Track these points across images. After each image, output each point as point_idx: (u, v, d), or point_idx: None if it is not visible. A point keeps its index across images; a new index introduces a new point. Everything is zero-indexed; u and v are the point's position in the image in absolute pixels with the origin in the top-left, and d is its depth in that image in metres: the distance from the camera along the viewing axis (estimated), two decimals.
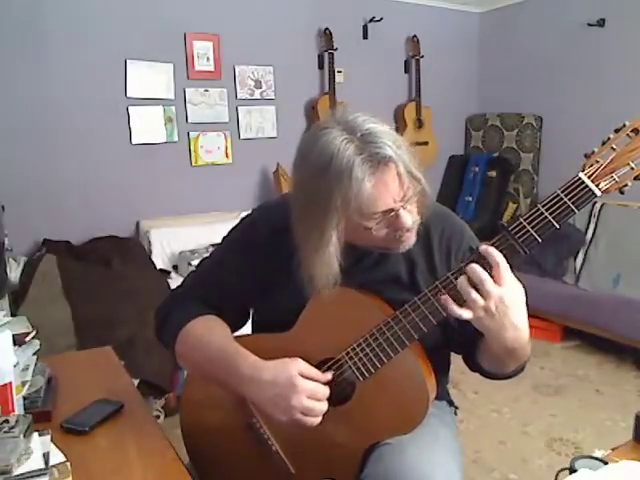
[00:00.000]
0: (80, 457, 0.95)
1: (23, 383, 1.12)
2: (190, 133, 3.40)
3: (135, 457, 0.98)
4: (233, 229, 1.16)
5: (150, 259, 3.04)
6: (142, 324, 2.34)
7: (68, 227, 3.01)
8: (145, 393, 2.32)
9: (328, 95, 3.73)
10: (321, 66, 3.82)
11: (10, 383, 1.00)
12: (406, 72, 4.25)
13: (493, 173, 4.31)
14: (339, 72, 3.80)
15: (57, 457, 0.93)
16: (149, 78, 3.21)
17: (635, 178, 0.85)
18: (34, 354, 1.23)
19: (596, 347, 3.27)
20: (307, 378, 0.95)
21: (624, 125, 0.86)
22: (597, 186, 0.84)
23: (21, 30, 2.85)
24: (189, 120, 3.39)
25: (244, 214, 1.20)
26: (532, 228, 0.87)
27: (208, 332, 1.06)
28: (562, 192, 0.85)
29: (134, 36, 3.14)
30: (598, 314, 3.15)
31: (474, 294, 0.85)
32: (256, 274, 1.09)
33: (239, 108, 3.56)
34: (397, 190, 0.90)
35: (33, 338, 1.26)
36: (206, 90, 3.42)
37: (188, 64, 3.34)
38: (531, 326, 0.90)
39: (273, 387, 0.94)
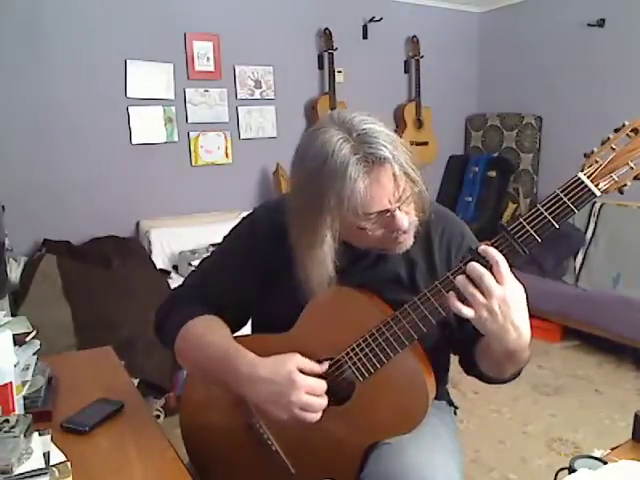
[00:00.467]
0: (80, 457, 0.95)
1: (23, 383, 1.12)
2: (190, 133, 3.40)
3: (135, 457, 0.98)
4: (234, 229, 1.17)
5: (150, 259, 3.04)
6: (142, 324, 2.34)
7: (68, 227, 3.01)
8: (145, 393, 2.32)
9: (328, 95, 3.73)
10: (321, 66, 3.82)
11: (10, 383, 1.01)
12: (406, 72, 4.26)
13: (493, 173, 4.31)
14: (339, 72, 3.80)
15: (57, 457, 0.93)
16: (149, 78, 3.21)
17: (634, 178, 0.85)
18: (34, 354, 1.23)
19: (596, 347, 3.27)
20: (305, 372, 0.95)
21: (624, 125, 0.86)
22: (596, 186, 0.84)
23: (21, 30, 2.85)
24: (189, 120, 3.39)
25: (244, 214, 1.20)
26: (532, 228, 0.87)
27: (208, 332, 1.06)
28: (562, 192, 0.85)
29: (134, 36, 3.14)
30: (598, 314, 3.15)
31: (472, 289, 0.86)
32: (256, 274, 1.09)
33: (239, 108, 3.56)
34: (392, 191, 0.90)
35: (33, 338, 1.27)
36: (206, 90, 3.43)
37: (188, 64, 3.34)
38: (531, 326, 0.90)
39: (271, 384, 0.94)
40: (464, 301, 0.87)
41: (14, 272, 2.63)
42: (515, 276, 0.87)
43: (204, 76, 3.41)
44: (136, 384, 2.17)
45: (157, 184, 3.32)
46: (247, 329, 1.20)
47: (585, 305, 3.24)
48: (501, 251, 0.87)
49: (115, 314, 2.46)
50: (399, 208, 0.92)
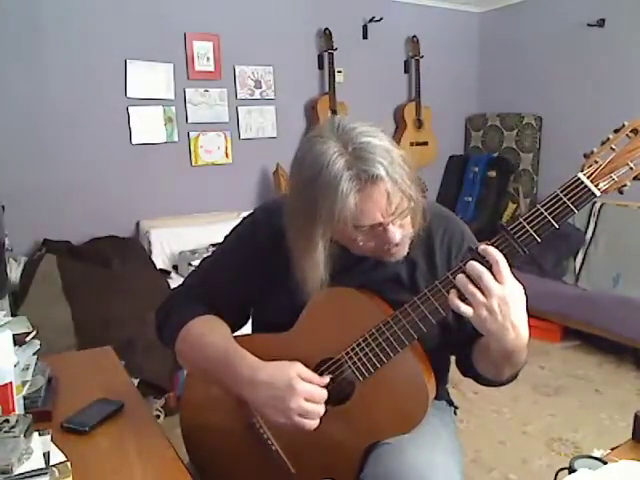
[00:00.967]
0: (80, 457, 0.95)
1: (23, 383, 1.12)
2: (190, 133, 3.40)
3: (135, 457, 0.98)
4: (234, 229, 1.17)
5: (150, 259, 3.04)
6: (142, 324, 2.34)
7: (68, 227, 3.01)
8: (145, 393, 2.32)
9: (328, 95, 3.73)
10: (321, 66, 3.82)
11: (10, 383, 1.01)
12: (406, 72, 4.26)
13: (493, 173, 4.31)
14: (339, 72, 3.80)
15: (57, 457, 0.93)
16: (149, 78, 3.21)
17: (634, 178, 0.85)
18: (34, 354, 1.23)
19: (596, 347, 3.27)
20: (305, 380, 0.95)
21: (623, 125, 0.86)
22: (596, 186, 0.84)
23: (21, 30, 2.85)
24: (189, 120, 3.39)
25: (244, 214, 1.20)
26: (531, 228, 0.87)
27: (208, 332, 1.06)
28: (561, 192, 0.85)
29: (134, 36, 3.14)
30: (598, 314, 3.15)
31: (472, 288, 0.86)
32: (257, 274, 1.09)
33: (239, 108, 3.56)
34: (385, 206, 0.89)
35: (33, 338, 1.27)
36: (206, 90, 3.43)
37: (188, 64, 3.34)
38: (531, 326, 0.90)
39: (271, 388, 0.94)
40: (464, 300, 0.87)
41: (14, 272, 2.63)
42: (515, 276, 0.87)
43: (204, 76, 3.41)
44: (136, 384, 2.17)
45: (157, 184, 3.33)
46: (247, 329, 1.20)
47: (585, 305, 3.24)
48: (501, 251, 0.87)
49: (115, 314, 2.46)
50: (392, 222, 0.92)
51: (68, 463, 0.90)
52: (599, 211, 3.54)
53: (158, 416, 2.38)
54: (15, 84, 2.86)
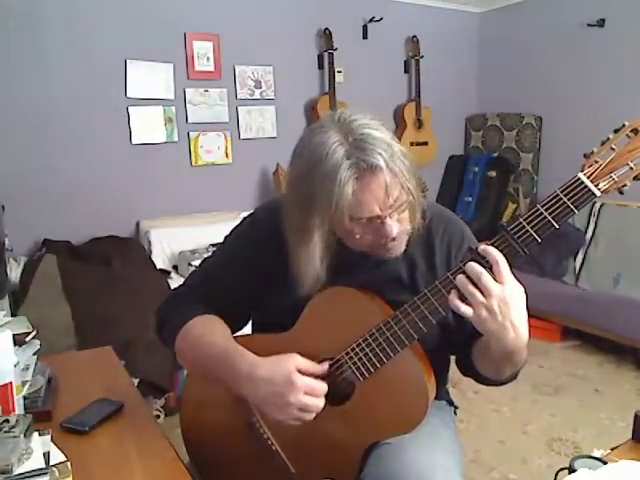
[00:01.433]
0: (80, 457, 0.95)
1: (23, 383, 1.12)
2: (190, 133, 3.40)
3: (135, 457, 0.98)
4: (235, 229, 1.17)
5: (150, 259, 3.04)
6: (142, 324, 2.34)
7: (68, 227, 3.01)
8: (145, 393, 2.32)
9: (328, 95, 3.73)
10: (321, 66, 3.82)
11: (10, 383, 1.01)
12: (406, 72, 4.26)
13: (493, 173, 4.31)
14: (339, 72, 3.80)
15: (57, 457, 0.93)
16: (149, 78, 3.21)
17: (634, 178, 0.85)
18: (34, 354, 1.23)
19: (596, 347, 3.27)
20: (304, 373, 0.95)
21: (623, 125, 0.86)
22: (596, 186, 0.84)
23: (21, 30, 2.85)
24: (189, 120, 3.39)
25: (244, 214, 1.20)
26: (532, 228, 0.87)
27: (208, 331, 1.06)
28: (561, 192, 0.85)
29: (134, 36, 3.14)
30: (598, 314, 3.15)
31: (472, 288, 0.86)
32: (257, 274, 1.09)
33: (239, 108, 3.56)
34: (383, 198, 0.89)
35: (33, 338, 1.27)
36: (206, 90, 3.43)
37: (188, 64, 3.34)
38: (531, 326, 0.90)
39: (270, 384, 0.94)
40: (464, 300, 0.87)
41: (14, 272, 2.63)
42: (515, 276, 0.87)
43: (204, 76, 3.41)
44: (136, 384, 2.17)
45: (157, 184, 3.33)
46: (247, 329, 1.20)
47: (585, 305, 3.24)
48: (501, 251, 0.87)
49: (115, 314, 2.46)
50: (390, 216, 0.92)
51: (68, 463, 0.90)
52: (599, 211, 3.54)
53: (158, 416, 2.38)
54: (15, 84, 2.86)
